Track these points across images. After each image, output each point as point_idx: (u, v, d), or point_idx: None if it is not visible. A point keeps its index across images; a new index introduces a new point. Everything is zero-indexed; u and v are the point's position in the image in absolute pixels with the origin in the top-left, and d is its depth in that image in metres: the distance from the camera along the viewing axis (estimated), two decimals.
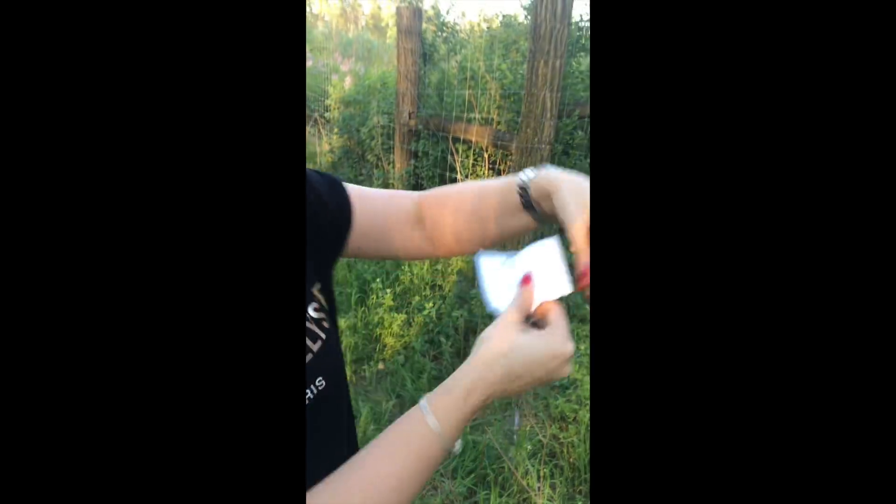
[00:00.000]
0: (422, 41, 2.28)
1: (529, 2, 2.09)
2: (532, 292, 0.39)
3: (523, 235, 0.44)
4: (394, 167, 2.41)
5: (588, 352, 1.45)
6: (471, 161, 2.09)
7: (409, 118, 2.29)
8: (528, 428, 1.33)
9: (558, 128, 1.75)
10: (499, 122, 2.03)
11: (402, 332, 1.64)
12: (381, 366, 1.58)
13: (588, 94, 1.96)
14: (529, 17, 1.89)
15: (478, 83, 2.09)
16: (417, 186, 2.32)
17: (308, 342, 0.38)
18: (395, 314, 1.64)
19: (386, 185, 2.42)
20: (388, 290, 1.72)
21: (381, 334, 1.65)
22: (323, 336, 0.40)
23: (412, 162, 2.35)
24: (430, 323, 1.67)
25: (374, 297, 1.71)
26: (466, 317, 1.64)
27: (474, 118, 2.06)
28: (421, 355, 1.58)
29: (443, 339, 1.60)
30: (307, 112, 3.23)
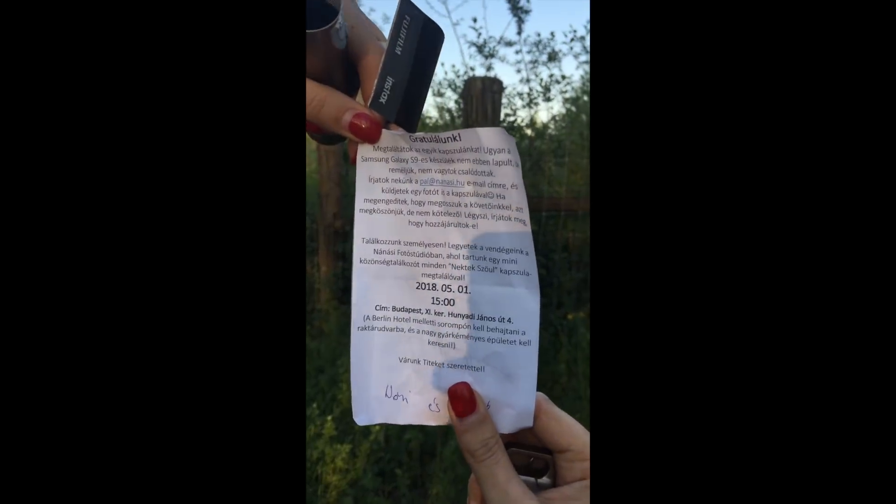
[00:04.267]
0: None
1: (454, 104, 2.15)
2: (482, 418, 0.25)
3: None
4: (319, 270, 2.24)
5: None
6: None
7: (334, 219, 2.17)
8: None
9: None
10: None
11: (347, 467, 1.39)
12: None
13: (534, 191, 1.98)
14: (461, 118, 1.92)
15: None
16: (347, 290, 2.16)
17: None
18: (339, 445, 1.40)
19: (311, 290, 2.23)
20: (329, 417, 1.48)
21: (321, 473, 1.39)
22: None
23: (340, 264, 2.20)
24: (378, 450, 1.44)
25: (313, 426, 1.47)
26: (420, 437, 1.44)
27: None
28: (374, 494, 1.34)
29: (397, 470, 1.38)
30: None
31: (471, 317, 0.27)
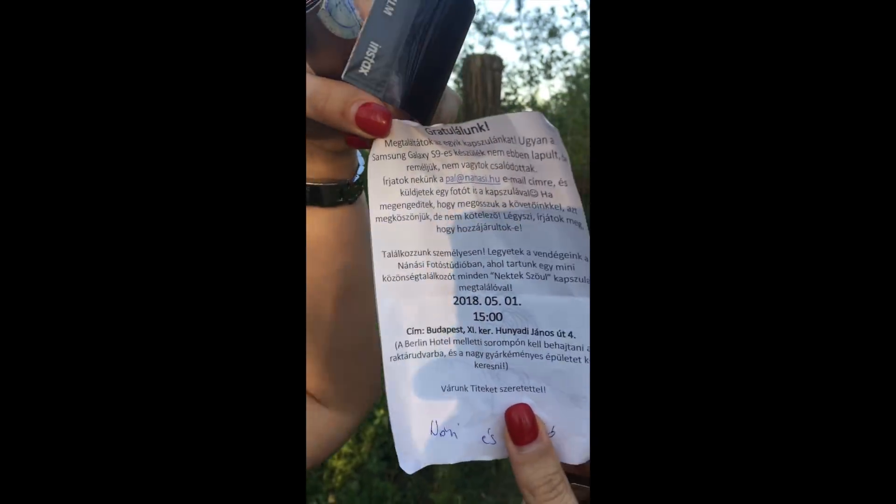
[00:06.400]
0: None
1: (453, 83, 2.11)
2: (545, 448, 0.22)
3: None
4: None
5: None
6: None
7: None
8: None
9: None
10: None
11: (352, 451, 1.39)
12: (331, 499, 1.31)
13: None
14: (460, 96, 1.89)
15: None
16: None
17: None
18: None
19: None
20: None
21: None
22: None
23: None
24: (383, 434, 1.44)
25: None
26: None
27: None
28: (379, 478, 1.34)
29: None
30: None
31: (524, 331, 0.23)
